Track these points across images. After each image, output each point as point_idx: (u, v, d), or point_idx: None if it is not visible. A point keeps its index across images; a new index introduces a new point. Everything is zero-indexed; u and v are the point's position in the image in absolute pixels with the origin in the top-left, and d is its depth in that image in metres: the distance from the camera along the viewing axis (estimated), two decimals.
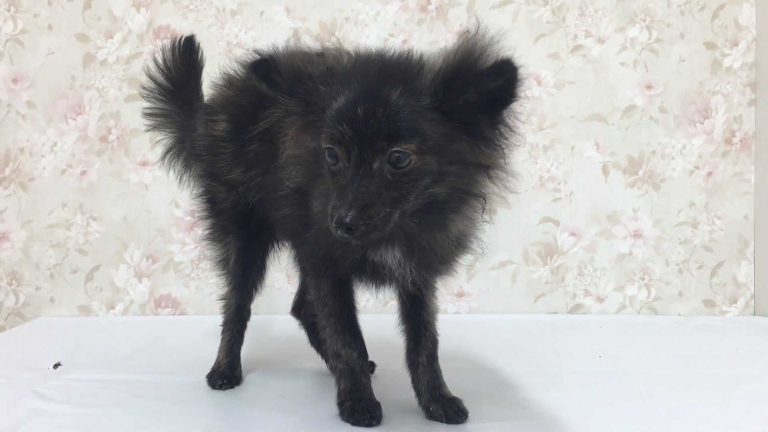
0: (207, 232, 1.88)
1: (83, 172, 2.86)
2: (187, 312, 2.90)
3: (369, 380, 1.58)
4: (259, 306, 2.76)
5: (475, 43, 1.26)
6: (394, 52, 1.39)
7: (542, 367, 2.05)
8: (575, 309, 2.96)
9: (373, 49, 1.43)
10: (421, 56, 1.36)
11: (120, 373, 1.96)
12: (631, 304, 2.97)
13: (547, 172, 2.94)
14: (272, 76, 1.35)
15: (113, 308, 2.90)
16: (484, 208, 1.41)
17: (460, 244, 1.48)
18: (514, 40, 2.89)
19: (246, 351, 2.00)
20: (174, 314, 2.91)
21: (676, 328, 2.72)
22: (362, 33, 2.89)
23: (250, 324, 1.99)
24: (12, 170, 2.85)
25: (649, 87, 2.93)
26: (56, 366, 2.03)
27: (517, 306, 2.95)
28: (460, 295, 2.94)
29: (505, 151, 1.33)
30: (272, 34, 2.86)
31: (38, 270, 2.88)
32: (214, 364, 1.90)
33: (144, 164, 2.85)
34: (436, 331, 1.64)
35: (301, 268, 1.76)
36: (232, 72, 1.78)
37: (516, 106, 1.31)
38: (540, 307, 2.96)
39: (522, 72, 1.24)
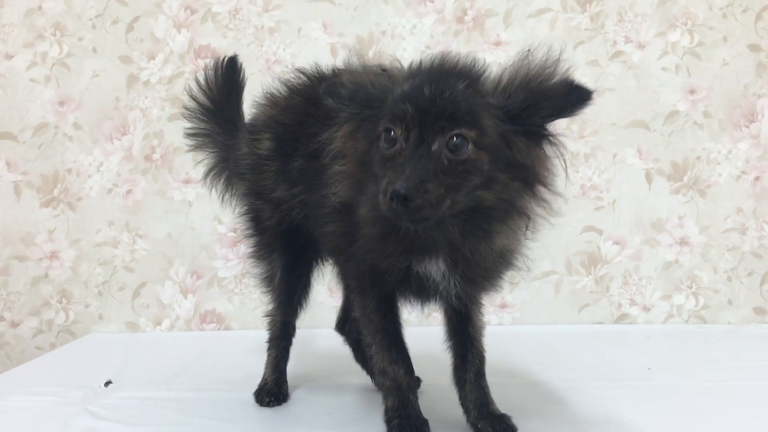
0: (252, 249, 1.90)
1: (129, 191, 2.92)
2: (232, 327, 2.94)
3: (416, 397, 1.58)
4: (301, 320, 2.79)
5: (548, 63, 1.28)
6: (457, 56, 1.39)
7: (589, 381, 2.02)
8: (621, 319, 2.92)
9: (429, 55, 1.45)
10: (483, 62, 1.39)
11: (169, 391, 1.99)
12: (678, 313, 2.91)
13: (588, 180, 2.90)
14: (336, 91, 1.39)
15: (160, 324, 2.94)
16: (527, 227, 1.41)
17: (504, 260, 1.47)
18: (553, 48, 2.87)
19: (291, 366, 2.00)
20: (219, 329, 2.94)
21: (726, 337, 2.66)
22: (399, 46, 2.90)
23: (295, 338, 2.00)
24: (60, 191, 2.91)
25: (692, 92, 2.88)
26: (107, 384, 2.06)
27: (560, 317, 2.92)
28: (503, 306, 2.92)
29: (553, 162, 1.35)
30: (310, 50, 2.88)
31: (87, 288, 2.94)
32: (261, 380, 1.92)
33: (187, 182, 2.89)
34: (482, 347, 1.63)
35: (345, 286, 1.76)
36: (274, 91, 1.80)
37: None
38: (584, 318, 2.92)
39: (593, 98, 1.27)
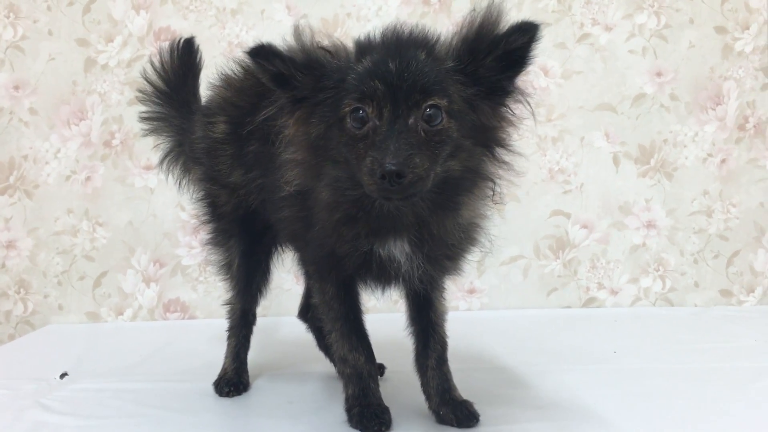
0: (209, 236, 1.86)
1: (88, 178, 2.84)
2: (196, 316, 2.88)
3: (377, 385, 1.55)
4: (267, 308, 2.76)
5: (491, 10, 1.27)
6: (406, 26, 1.36)
7: (556, 365, 2.01)
8: (589, 303, 2.92)
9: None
10: (433, 31, 1.37)
11: (127, 382, 1.94)
12: (645, 296, 2.91)
13: (556, 164, 2.89)
14: (277, 55, 1.30)
15: (122, 314, 2.88)
16: (494, 192, 1.40)
17: (468, 236, 1.45)
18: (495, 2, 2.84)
19: (254, 355, 1.97)
20: (183, 318, 2.89)
21: (693, 319, 2.67)
22: (364, 28, 2.82)
23: (258, 326, 1.97)
24: (16, 178, 2.83)
25: (659, 74, 2.87)
26: (62, 376, 2.01)
27: (529, 301, 2.90)
28: (472, 291, 2.90)
29: (516, 122, 1.35)
30: (273, 33, 2.80)
31: (46, 278, 2.86)
32: (221, 370, 1.88)
33: (148, 168, 2.82)
34: (444, 333, 1.60)
35: (305, 272, 1.72)
36: (229, 72, 1.75)
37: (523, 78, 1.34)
38: (553, 302, 2.91)
39: (541, 30, 1.26)
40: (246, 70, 1.69)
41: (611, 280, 2.91)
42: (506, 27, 1.26)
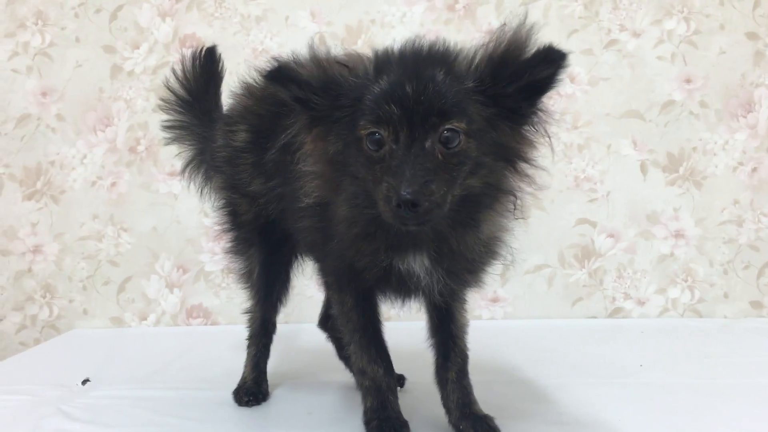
0: (230, 244, 1.85)
1: (113, 184, 2.87)
2: (219, 322, 2.89)
3: (396, 397, 1.53)
4: (289, 315, 2.76)
5: (520, 32, 1.24)
6: (426, 42, 1.33)
7: (579, 378, 1.97)
8: (615, 313, 2.87)
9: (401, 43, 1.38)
10: (454, 44, 1.34)
11: (147, 389, 1.94)
12: (673, 307, 2.86)
13: (582, 172, 2.84)
14: (293, 80, 1.28)
15: (145, 319, 2.89)
16: (515, 206, 1.38)
17: (489, 249, 1.43)
18: (546, 36, 2.80)
19: (274, 363, 1.97)
20: (205, 324, 2.89)
21: (722, 331, 2.61)
22: (388, 35, 2.83)
23: (279, 334, 1.96)
24: (43, 183, 2.86)
25: (688, 81, 2.82)
26: (84, 382, 2.02)
27: (553, 311, 2.86)
28: (495, 300, 2.87)
29: (537, 142, 1.32)
30: (298, 40, 2.82)
31: (71, 282, 2.89)
32: (241, 379, 1.87)
33: (173, 174, 2.83)
34: (465, 345, 1.58)
35: (324, 282, 1.70)
36: (251, 81, 1.75)
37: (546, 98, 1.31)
38: (578, 312, 2.87)
39: (568, 60, 1.23)
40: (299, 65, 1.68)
41: (638, 290, 2.86)
42: (532, 53, 1.21)
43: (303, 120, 1.34)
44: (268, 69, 1.31)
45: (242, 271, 1.85)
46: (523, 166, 1.32)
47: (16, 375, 2.18)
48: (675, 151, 2.83)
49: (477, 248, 1.38)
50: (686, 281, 2.85)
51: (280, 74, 1.29)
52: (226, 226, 1.85)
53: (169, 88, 2.00)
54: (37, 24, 2.84)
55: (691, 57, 2.81)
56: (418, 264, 1.37)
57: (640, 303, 2.86)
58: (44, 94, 2.85)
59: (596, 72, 2.83)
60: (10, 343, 2.88)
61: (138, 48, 2.85)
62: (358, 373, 1.53)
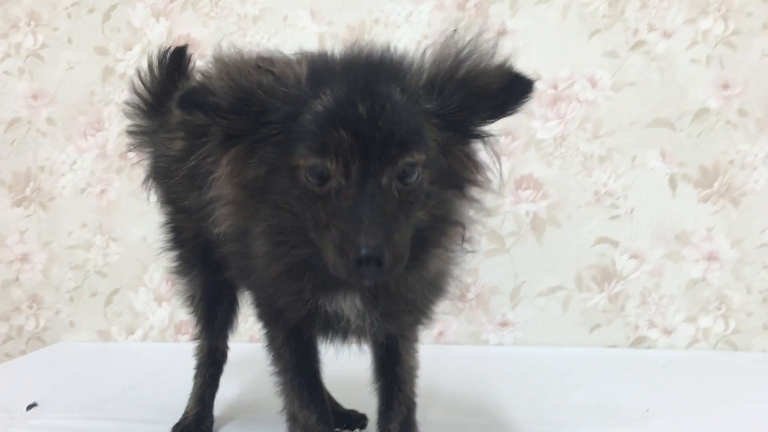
0: (173, 264, 1.69)
1: (102, 191, 2.75)
2: None
3: None
4: (258, 333, 2.59)
5: (484, 47, 1.06)
6: (368, 47, 1.13)
7: (570, 426, 1.72)
8: (638, 342, 2.59)
9: (333, 49, 1.18)
10: (404, 52, 1.12)
11: (90, 419, 1.78)
12: (704, 337, 2.56)
13: (603, 185, 2.58)
14: (208, 101, 1.04)
15: (132, 333, 2.77)
16: (464, 238, 1.16)
17: (434, 287, 1.21)
18: (566, 37, 2.58)
19: (230, 390, 1.81)
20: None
21: (759, 367, 2.32)
22: (393, 35, 2.63)
23: (250, 354, 1.78)
24: (32, 189, 2.77)
25: (725, 87, 2.53)
26: (29, 407, 1.88)
27: (569, 338, 2.60)
28: (504, 324, 2.63)
29: (487, 164, 1.14)
30: (296, 40, 2.65)
31: (58, 293, 2.79)
32: (183, 414, 1.70)
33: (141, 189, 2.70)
34: (413, 392, 1.36)
35: (255, 314, 1.50)
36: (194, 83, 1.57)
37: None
38: (596, 340, 2.60)
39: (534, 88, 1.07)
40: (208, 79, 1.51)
41: (664, 318, 2.58)
42: (505, 81, 1.04)
43: (216, 138, 1.11)
44: (180, 94, 1.07)
45: (185, 294, 1.69)
46: (474, 191, 1.12)
47: None
48: (709, 165, 2.54)
49: (420, 288, 1.18)
50: (720, 309, 2.55)
51: (184, 100, 1.06)
52: (168, 244, 1.70)
53: (133, 90, 1.85)
54: (29, 24, 2.75)
55: (729, 60, 2.52)
56: (348, 305, 1.17)
57: (667, 332, 2.58)
58: (35, 97, 2.76)
59: (621, 76, 2.57)
60: None
61: (131, 49, 2.73)
62: (290, 419, 1.33)
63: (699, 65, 2.54)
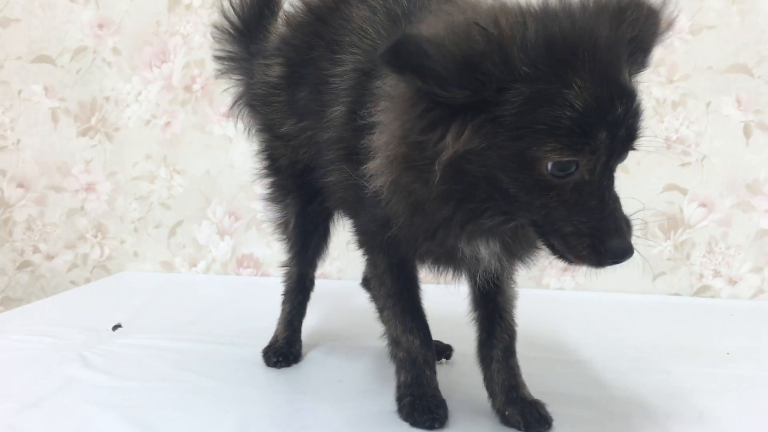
0: (267, 191, 1.69)
1: (167, 123, 2.74)
2: (270, 273, 2.74)
3: (434, 372, 1.34)
4: (343, 271, 2.60)
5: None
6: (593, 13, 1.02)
7: (654, 363, 1.70)
8: (701, 291, 2.56)
9: None
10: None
11: (176, 340, 1.82)
12: None
13: (675, 132, 2.52)
14: (426, 65, 0.90)
15: (195, 266, 2.79)
16: None
17: None
18: None
19: (314, 322, 1.83)
20: (256, 275, 2.77)
21: None
22: None
23: (328, 290, 1.84)
24: (98, 120, 2.77)
25: None
26: (115, 328, 1.92)
27: (631, 284, 2.58)
28: (565, 268, 2.61)
29: None
30: None
31: (122, 223, 2.82)
32: (272, 337, 1.72)
33: (227, 116, 2.68)
34: (513, 320, 1.36)
35: (355, 240, 1.48)
36: (292, 8, 1.54)
37: None
38: (659, 287, 2.58)
39: None
40: (306, 4, 1.47)
41: (730, 268, 2.54)
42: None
43: (431, 106, 0.97)
44: (387, 48, 0.92)
45: (278, 221, 1.68)
46: None
47: (51, 315, 2.12)
48: None
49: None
50: None
51: (398, 59, 0.92)
52: (263, 171, 1.69)
53: (223, 14, 1.81)
54: None
55: None
56: (489, 249, 1.17)
57: (732, 282, 2.55)
58: (101, 26, 2.74)
59: (699, 19, 2.48)
60: (62, 282, 2.85)
61: None
62: (392, 343, 1.35)
63: None
